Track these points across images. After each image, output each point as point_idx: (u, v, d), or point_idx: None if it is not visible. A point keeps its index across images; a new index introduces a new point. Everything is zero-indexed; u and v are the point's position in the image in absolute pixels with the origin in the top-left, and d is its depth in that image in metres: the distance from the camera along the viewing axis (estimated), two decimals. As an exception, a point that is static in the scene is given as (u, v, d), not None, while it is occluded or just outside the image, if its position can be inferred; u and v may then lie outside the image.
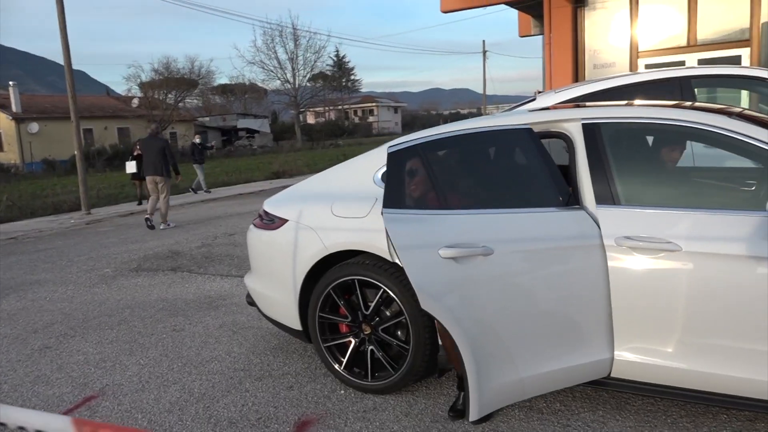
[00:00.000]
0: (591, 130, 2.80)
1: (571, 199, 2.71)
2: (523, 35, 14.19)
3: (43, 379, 3.99)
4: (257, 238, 3.76)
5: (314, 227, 3.37)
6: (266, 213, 3.75)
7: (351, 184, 3.38)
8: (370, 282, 3.13)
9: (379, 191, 3.21)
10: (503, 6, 12.12)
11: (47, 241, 10.44)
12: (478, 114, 74.63)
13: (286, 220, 3.54)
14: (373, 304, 3.20)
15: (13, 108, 36.67)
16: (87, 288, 6.54)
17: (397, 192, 2.79)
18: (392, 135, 61.56)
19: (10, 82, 38.57)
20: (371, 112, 78.17)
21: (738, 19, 9.73)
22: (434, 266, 2.54)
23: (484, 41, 50.87)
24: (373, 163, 3.39)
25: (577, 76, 10.39)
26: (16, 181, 26.50)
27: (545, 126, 2.92)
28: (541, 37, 12.63)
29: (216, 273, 6.76)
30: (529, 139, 2.81)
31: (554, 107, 3.66)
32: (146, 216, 10.71)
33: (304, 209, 3.48)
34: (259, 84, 54.59)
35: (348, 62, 77.15)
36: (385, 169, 3.29)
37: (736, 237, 2.39)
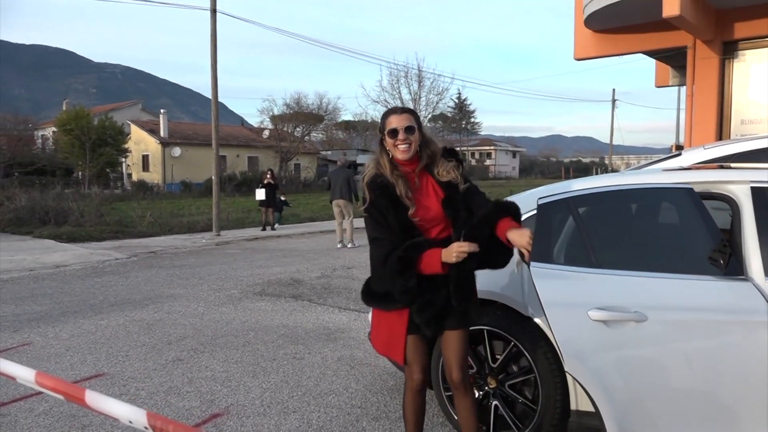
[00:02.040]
0: (761, 194, 2.58)
1: (735, 268, 2.49)
2: (659, 86, 13.55)
3: (175, 390, 4.23)
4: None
5: None
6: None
7: None
8: (500, 334, 3.04)
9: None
10: (640, 55, 11.75)
11: (182, 258, 11.27)
12: (602, 164, 71.83)
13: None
14: (501, 358, 3.10)
15: (162, 133, 40.69)
16: (216, 307, 6.93)
17: (546, 245, 2.72)
18: (509, 180, 60.62)
19: (161, 110, 43.07)
20: (489, 155, 77.88)
21: None
22: (582, 327, 2.45)
23: (614, 90, 49.27)
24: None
25: (721, 132, 9.71)
26: (158, 199, 29.04)
27: (707, 186, 2.72)
28: (677, 88, 11.98)
29: (334, 305, 6.93)
30: (690, 199, 2.61)
31: (706, 166, 3.45)
32: (338, 241, 12.26)
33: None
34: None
35: (469, 105, 77.40)
36: (525, 217, 3.22)
37: None
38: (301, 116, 46.64)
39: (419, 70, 47.35)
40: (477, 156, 78.63)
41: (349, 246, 12.20)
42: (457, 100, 73.24)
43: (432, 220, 2.59)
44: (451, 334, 2.66)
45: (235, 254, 11.68)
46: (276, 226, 16.50)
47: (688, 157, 4.82)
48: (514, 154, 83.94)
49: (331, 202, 12.55)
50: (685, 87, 10.87)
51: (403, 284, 2.48)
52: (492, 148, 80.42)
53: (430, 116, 52.48)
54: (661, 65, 13.33)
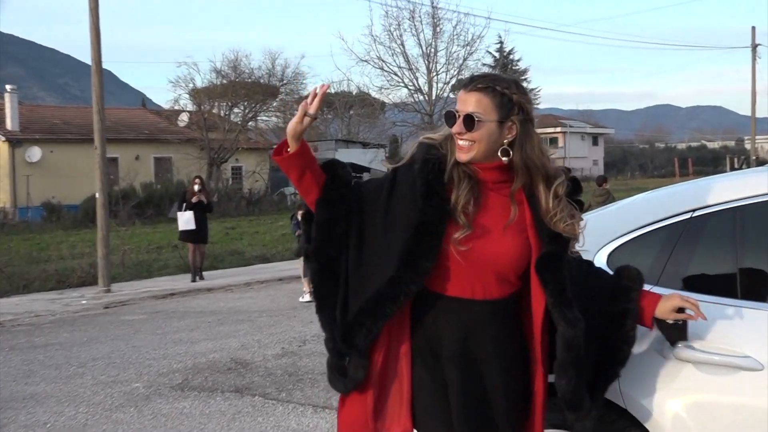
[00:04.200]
0: None
1: None
2: None
3: None
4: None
5: None
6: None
7: None
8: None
9: None
10: None
11: (48, 332, 11.16)
12: (741, 150, 71.96)
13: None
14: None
15: (8, 124, 39.79)
16: (107, 413, 6.84)
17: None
18: (586, 181, 60.79)
19: (7, 87, 42.25)
20: (554, 141, 78.25)
21: None
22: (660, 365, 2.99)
23: (753, 29, 49.68)
24: (596, 231, 3.45)
25: None
26: (4, 234, 28.85)
27: None
28: None
29: (307, 401, 6.88)
30: None
31: None
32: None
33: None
34: (374, 94, 56.13)
35: (518, 61, 77.88)
36: (615, 246, 3.43)
37: None
38: (242, 89, 46.81)
39: (433, 7, 47.77)
40: (536, 144, 79.21)
41: (303, 300, 12.29)
42: (497, 54, 73.84)
43: (487, 263, 2.66)
44: None
45: (138, 322, 11.63)
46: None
47: None
48: (595, 138, 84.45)
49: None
50: None
51: (331, 342, 2.78)
52: (559, 130, 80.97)
53: (455, 80, 52.78)
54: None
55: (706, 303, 2.94)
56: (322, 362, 8.09)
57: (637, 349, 2.98)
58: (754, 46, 48.38)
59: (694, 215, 3.28)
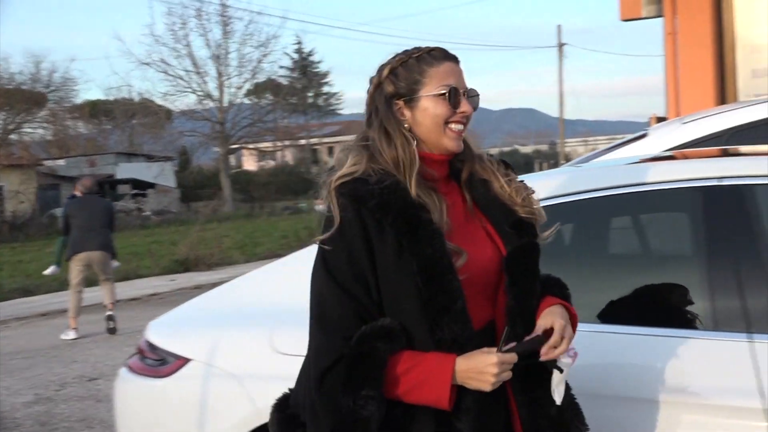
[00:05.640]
0: None
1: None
2: (627, 18, 14.39)
3: None
4: (134, 393, 3.92)
5: (239, 373, 3.53)
6: (151, 346, 3.84)
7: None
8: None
9: None
10: None
11: None
12: (552, 153, 75.49)
13: (188, 360, 3.67)
14: None
15: None
16: None
17: None
18: None
19: None
20: (360, 149, 79.88)
21: None
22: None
23: (559, 27, 52.34)
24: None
25: (723, 91, 10.40)
26: None
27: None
28: (659, 21, 12.74)
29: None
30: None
31: (683, 153, 3.75)
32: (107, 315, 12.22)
33: (220, 340, 3.67)
34: (158, 101, 55.02)
35: (318, 63, 78.91)
36: None
37: None
38: (0, 97, 45.17)
39: (222, 5, 47.39)
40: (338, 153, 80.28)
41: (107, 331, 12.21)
42: (296, 56, 74.28)
43: (477, 282, 2.40)
44: None
45: None
46: None
47: (657, 140, 5.12)
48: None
49: (70, 258, 12.40)
50: (663, 20, 11.57)
51: (350, 410, 2.22)
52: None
53: (248, 86, 52.40)
54: (629, -15, 14.24)
55: None
56: (82, 407, 7.86)
57: None
58: (560, 45, 51.01)
59: None
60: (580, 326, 2.57)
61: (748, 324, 2.96)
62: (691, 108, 10.24)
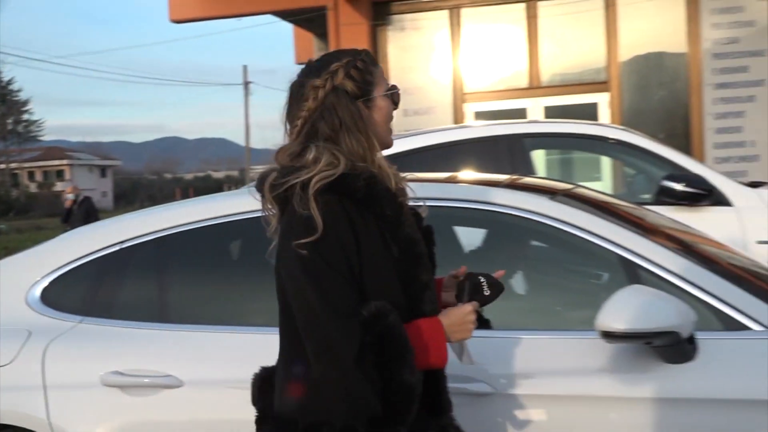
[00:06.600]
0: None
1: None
2: (302, 62, 17.61)
3: None
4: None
5: None
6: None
7: None
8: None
9: (36, 318, 3.59)
10: (271, 18, 14.00)
11: None
12: (242, 176, 76.31)
13: None
14: None
15: None
16: None
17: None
18: (105, 213, 60.75)
19: None
20: (60, 174, 77.79)
21: (592, 55, 12.16)
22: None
23: (245, 67, 54.20)
24: (28, 270, 3.81)
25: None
26: None
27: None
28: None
29: None
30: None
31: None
32: None
33: None
34: None
35: (18, 92, 76.14)
36: (47, 282, 3.72)
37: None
38: None
39: None
40: (41, 177, 77.90)
41: None
42: (-6, 84, 72.25)
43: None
44: None
45: None
46: None
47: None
48: (103, 170, 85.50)
49: None
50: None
51: (407, 380, 2.27)
52: (66, 163, 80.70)
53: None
54: (303, 33, 15.67)
55: (134, 329, 3.50)
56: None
57: (69, 377, 3.40)
58: (246, 83, 53.77)
59: (123, 246, 3.67)
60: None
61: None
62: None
